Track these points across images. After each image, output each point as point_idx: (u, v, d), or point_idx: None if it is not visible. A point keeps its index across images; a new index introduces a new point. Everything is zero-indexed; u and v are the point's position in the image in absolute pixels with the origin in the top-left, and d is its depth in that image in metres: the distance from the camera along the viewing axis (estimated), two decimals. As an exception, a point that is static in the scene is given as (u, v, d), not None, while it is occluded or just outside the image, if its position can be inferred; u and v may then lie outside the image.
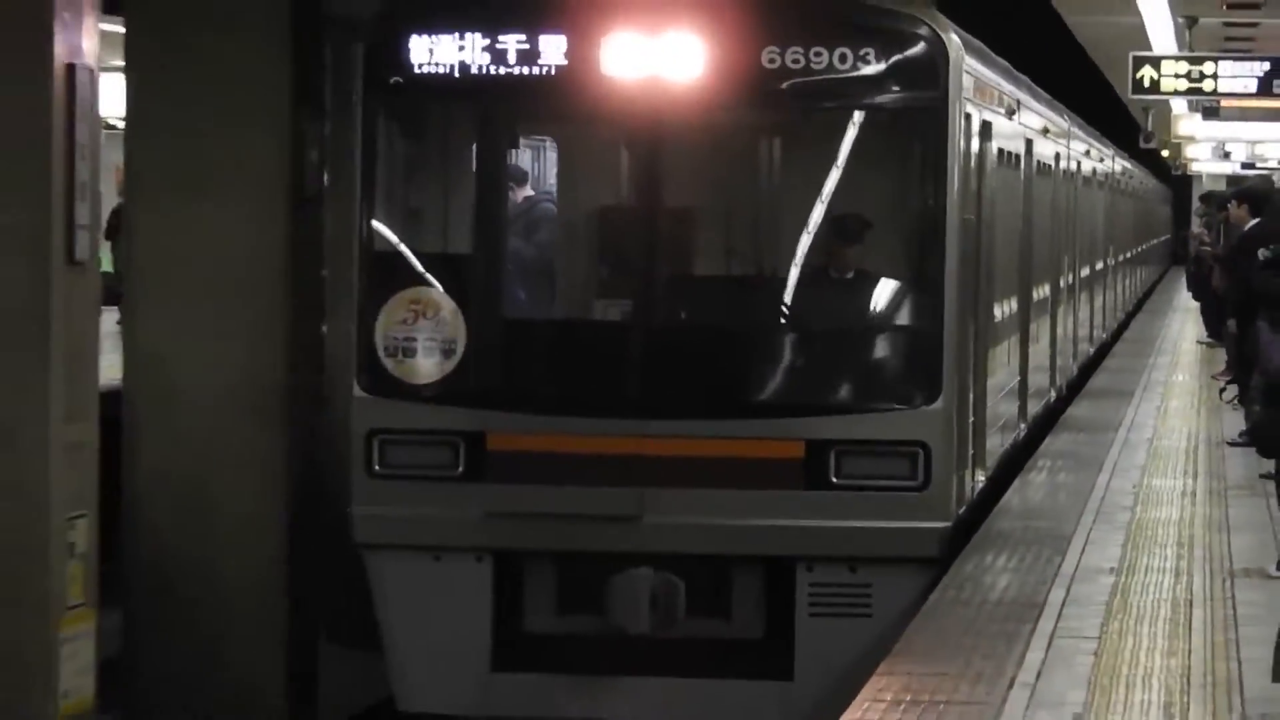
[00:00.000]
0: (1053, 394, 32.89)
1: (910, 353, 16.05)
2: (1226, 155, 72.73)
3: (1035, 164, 27.62)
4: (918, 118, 16.08)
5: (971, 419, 17.68)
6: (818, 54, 15.30)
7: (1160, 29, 44.41)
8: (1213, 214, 43.42)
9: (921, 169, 16.12)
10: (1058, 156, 31.74)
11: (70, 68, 14.24)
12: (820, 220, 16.82)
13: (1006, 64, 24.71)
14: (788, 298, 16.57)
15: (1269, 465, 19.79)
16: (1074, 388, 39.64)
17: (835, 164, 16.74)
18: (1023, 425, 26.51)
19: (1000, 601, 17.21)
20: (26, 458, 14.34)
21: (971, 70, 16.74)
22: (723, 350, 16.15)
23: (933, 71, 15.63)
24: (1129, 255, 54.82)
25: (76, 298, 14.99)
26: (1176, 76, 42.74)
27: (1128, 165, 58.05)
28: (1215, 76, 42.36)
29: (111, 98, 19.98)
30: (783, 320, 16.38)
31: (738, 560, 15.59)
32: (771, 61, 15.44)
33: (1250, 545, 21.19)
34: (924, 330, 15.84)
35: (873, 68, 15.52)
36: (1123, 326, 53.84)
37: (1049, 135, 30.42)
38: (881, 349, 16.26)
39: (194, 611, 17.99)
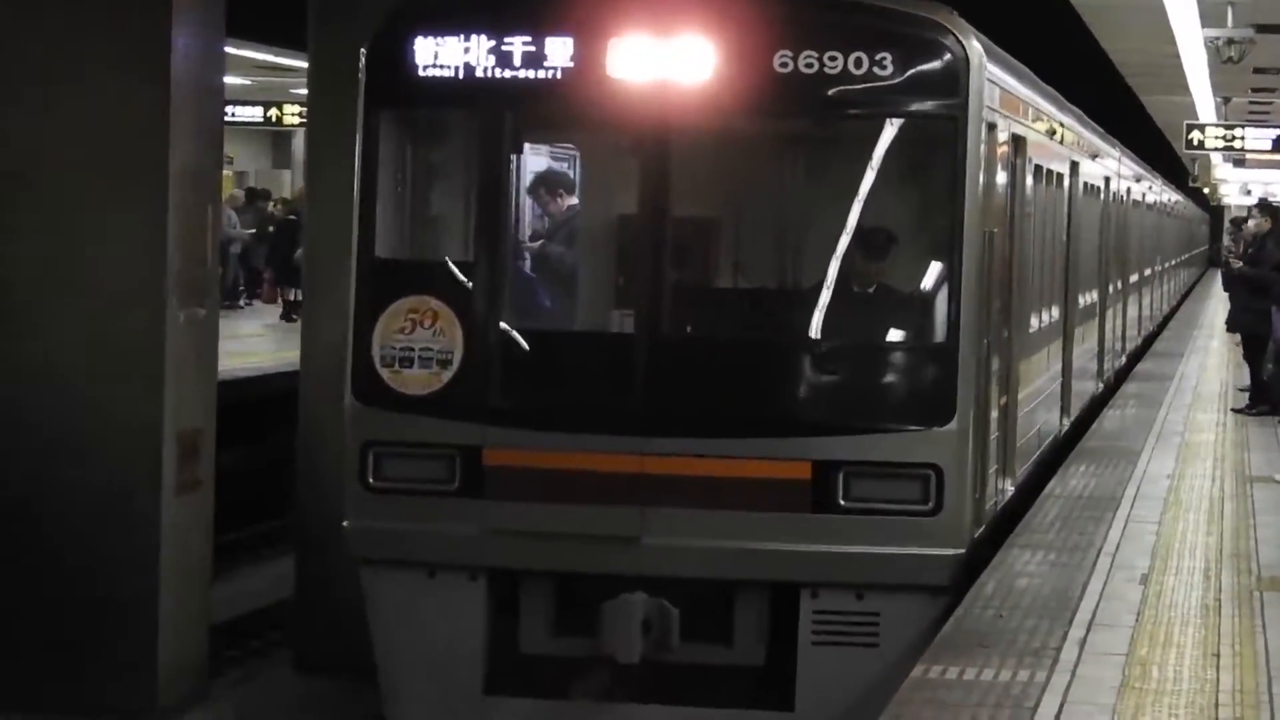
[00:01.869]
0: (1099, 385, 27.97)
1: (923, 371, 12.57)
2: (1248, 192, 75.81)
3: (1083, 185, 23.22)
4: (936, 125, 12.69)
5: (997, 435, 14.42)
6: (832, 59, 12.09)
7: (1204, 105, 48.96)
8: (1238, 233, 44.53)
9: (939, 179, 12.69)
10: (1109, 181, 27.37)
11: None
12: (833, 233, 13.40)
13: (1052, 90, 20.73)
14: (795, 313, 13.35)
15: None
16: (1136, 355, 36.28)
17: (850, 173, 13.26)
18: (1065, 420, 22.17)
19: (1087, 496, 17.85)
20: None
21: (998, 81, 13.65)
22: (728, 366, 12.75)
23: (952, 78, 12.34)
24: (1179, 260, 55.83)
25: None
26: (1215, 138, 49.08)
27: (1178, 196, 58.38)
28: (1243, 138, 49.11)
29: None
30: (789, 336, 13.08)
31: (739, 584, 12.41)
32: (784, 66, 12.20)
33: (1262, 460, 21.59)
34: (938, 348, 12.49)
35: (889, 73, 12.20)
36: (1176, 307, 53.38)
37: (1099, 161, 25.93)
38: (892, 367, 12.76)
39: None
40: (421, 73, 12.59)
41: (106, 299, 16.10)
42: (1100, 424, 24.59)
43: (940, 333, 12.37)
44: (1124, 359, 32.35)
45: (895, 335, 13.01)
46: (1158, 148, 56.59)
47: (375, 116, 12.84)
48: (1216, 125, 48.70)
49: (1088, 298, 24.64)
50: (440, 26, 12.56)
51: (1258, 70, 38.58)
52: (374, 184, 12.81)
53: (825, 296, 13.07)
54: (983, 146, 12.58)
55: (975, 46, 12.39)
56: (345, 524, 12.66)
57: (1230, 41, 29.60)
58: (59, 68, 15.89)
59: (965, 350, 12.19)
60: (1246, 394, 26.55)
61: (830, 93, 12.29)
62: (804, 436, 12.19)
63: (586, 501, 12.11)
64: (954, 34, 12.25)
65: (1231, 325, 29.10)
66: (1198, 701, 10.38)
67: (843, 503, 12.06)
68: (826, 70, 12.09)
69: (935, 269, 12.67)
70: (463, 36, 12.41)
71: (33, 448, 16.41)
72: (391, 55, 12.71)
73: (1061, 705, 10.21)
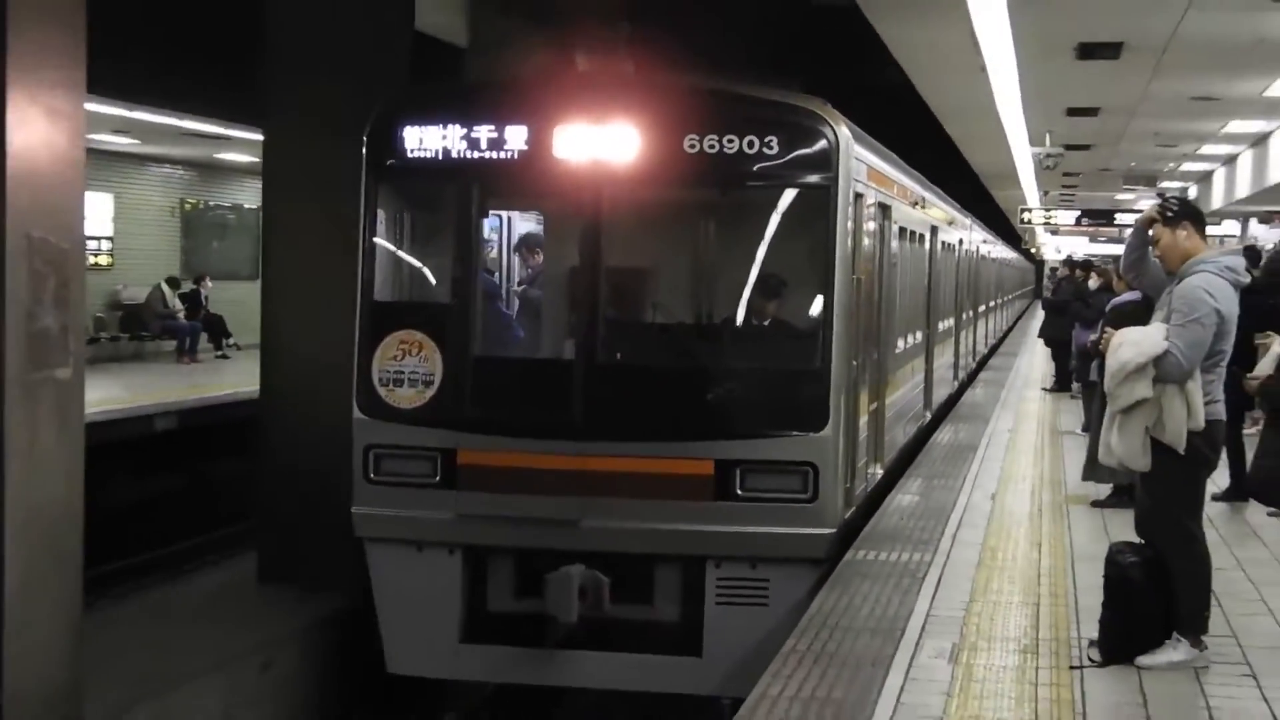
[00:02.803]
0: (956, 382, 25.78)
1: (802, 389, 11.39)
2: (1059, 250, 74.98)
3: (941, 243, 21.21)
4: (812, 194, 11.42)
5: (865, 435, 13.06)
6: (730, 141, 11.09)
7: (1031, 195, 48.03)
8: (1052, 276, 44.14)
9: (815, 236, 11.41)
10: (961, 242, 25.66)
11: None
12: (732, 280, 12.31)
13: (918, 174, 18.92)
14: (702, 343, 12.21)
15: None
16: (985, 358, 34.42)
17: (745, 232, 12.19)
18: (928, 412, 20.09)
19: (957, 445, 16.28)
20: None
21: (865, 160, 12.49)
22: (649, 386, 11.65)
23: (825, 156, 11.25)
24: (1011, 296, 51.28)
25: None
26: (1039, 216, 48.86)
27: (1014, 254, 55.95)
28: (1055, 217, 49.17)
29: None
30: (698, 362, 11.84)
31: (659, 557, 11.37)
32: (692, 147, 11.17)
33: (1067, 419, 20.89)
34: (813, 370, 11.29)
35: (775, 152, 11.15)
36: (1013, 325, 51.05)
37: (954, 227, 24.16)
38: (779, 385, 11.58)
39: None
40: (409, 154, 11.60)
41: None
42: (962, 401, 24.29)
43: (816, 358, 11.23)
44: (975, 362, 30.66)
45: (780, 361, 11.92)
46: (1001, 220, 56.28)
47: (374, 188, 11.83)
48: (1039, 209, 48.97)
49: (947, 322, 23.23)
50: (421, 117, 11.61)
51: (1066, 173, 39.02)
52: (373, 241, 11.82)
53: (726, 330, 12.22)
54: (850, 210, 11.55)
55: (844, 131, 11.38)
56: (352, 510, 11.67)
57: (1048, 155, 29.93)
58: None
59: (836, 371, 11.17)
60: (1054, 379, 26.34)
61: (728, 168, 11.23)
62: (709, 440, 11.14)
63: (538, 492, 11.19)
64: (827, 121, 11.30)
65: (1041, 335, 28.46)
66: (1027, 574, 10.76)
67: (740, 492, 11.04)
68: (725, 150, 11.11)
69: (812, 308, 11.54)
70: (441, 125, 11.51)
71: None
72: (386, 139, 11.71)
73: (940, 576, 10.65)
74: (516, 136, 11.36)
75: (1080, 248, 67.40)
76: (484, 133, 11.40)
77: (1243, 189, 32.38)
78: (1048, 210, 49.67)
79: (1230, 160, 33.67)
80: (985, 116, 24.92)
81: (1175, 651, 8.31)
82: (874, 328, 13.57)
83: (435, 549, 11.47)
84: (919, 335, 18.56)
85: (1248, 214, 40.18)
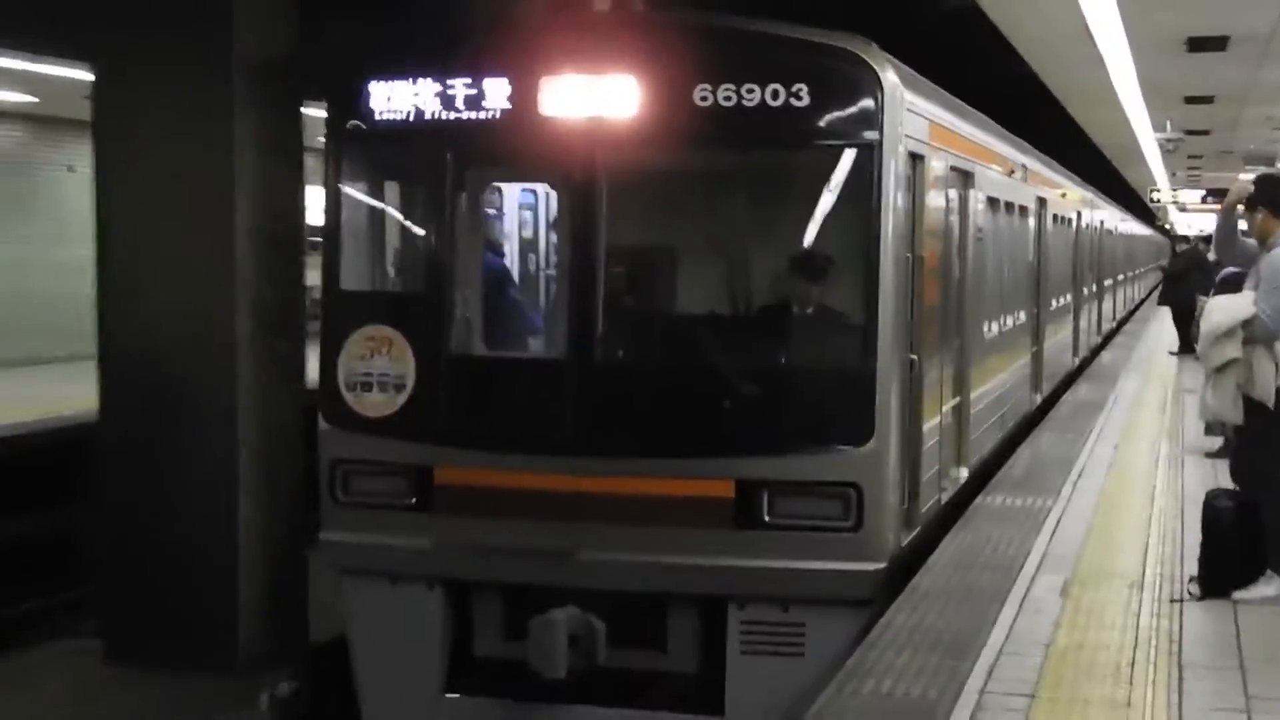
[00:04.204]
0: (1076, 361, 21.92)
1: (841, 393, 8.45)
2: (1189, 226, 72.81)
3: (1054, 216, 17.85)
4: (852, 154, 8.40)
5: (937, 440, 9.97)
6: (749, 91, 8.18)
7: (1160, 177, 46.37)
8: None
9: (855, 208, 8.46)
10: (1081, 215, 22.01)
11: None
12: (756, 262, 9.81)
13: (1021, 142, 15.90)
14: (719, 339, 9.02)
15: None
16: (1124, 319, 32.70)
17: (772, 203, 9.56)
18: (1037, 395, 16.51)
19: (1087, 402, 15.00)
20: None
21: (925, 113, 9.39)
22: (658, 390, 8.73)
23: (867, 107, 8.26)
24: (1144, 269, 47.74)
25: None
26: (1168, 196, 47.26)
27: (1143, 228, 51.90)
28: (1180, 196, 48.34)
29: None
30: (716, 361, 8.73)
31: (671, 597, 8.53)
32: (703, 99, 8.27)
33: (1188, 380, 18.98)
34: (855, 371, 8.36)
35: (806, 104, 8.19)
36: (1143, 300, 45.85)
37: (1071, 201, 20.81)
38: (812, 389, 8.58)
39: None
40: (377, 115, 8.82)
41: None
42: (1099, 360, 23.72)
43: (858, 356, 8.30)
44: (1100, 336, 27.85)
45: (815, 359, 8.88)
46: (1135, 198, 55.73)
47: (337, 157, 9.09)
48: (1168, 189, 48.78)
49: (1063, 299, 19.96)
50: (393, 70, 8.82)
51: (1190, 155, 38.43)
52: (338, 220, 9.08)
53: (749, 324, 9.51)
54: (904, 175, 8.59)
55: (891, 78, 8.36)
56: (320, 535, 9.04)
57: (1169, 140, 29.61)
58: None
59: (884, 371, 8.25)
60: (1178, 343, 25.14)
61: (747, 125, 8.30)
62: (729, 457, 8.29)
63: (524, 517, 8.39)
64: (870, 65, 8.28)
65: (1162, 302, 27.93)
66: (1140, 517, 10.54)
67: (766, 519, 8.20)
68: (744, 103, 8.21)
69: (854, 295, 8.58)
70: (412, 79, 8.72)
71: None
72: (350, 98, 8.95)
73: (1060, 518, 10.40)
74: (495, 93, 8.61)
75: (1209, 224, 66.45)
76: (458, 89, 8.67)
77: None
78: (1175, 189, 49.24)
79: None
80: (1107, 103, 24.32)
81: (1269, 586, 8.21)
82: (950, 313, 10.76)
83: (412, 582, 8.78)
84: (1022, 316, 15.29)
85: None
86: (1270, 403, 8.03)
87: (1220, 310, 8.13)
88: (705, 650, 8.49)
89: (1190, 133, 29.47)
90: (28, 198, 20.82)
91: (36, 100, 18.76)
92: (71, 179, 20.17)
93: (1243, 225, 8.97)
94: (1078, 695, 6.49)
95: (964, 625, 7.62)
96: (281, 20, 10.06)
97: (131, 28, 9.61)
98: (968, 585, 8.47)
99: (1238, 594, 8.19)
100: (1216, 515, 8.35)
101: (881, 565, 8.28)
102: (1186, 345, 24.72)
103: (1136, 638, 7.44)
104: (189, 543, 9.43)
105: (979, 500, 11.12)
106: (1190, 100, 23.82)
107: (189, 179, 9.61)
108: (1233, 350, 8.00)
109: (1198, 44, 16.94)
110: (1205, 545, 8.40)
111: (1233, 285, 9.97)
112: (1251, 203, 8.55)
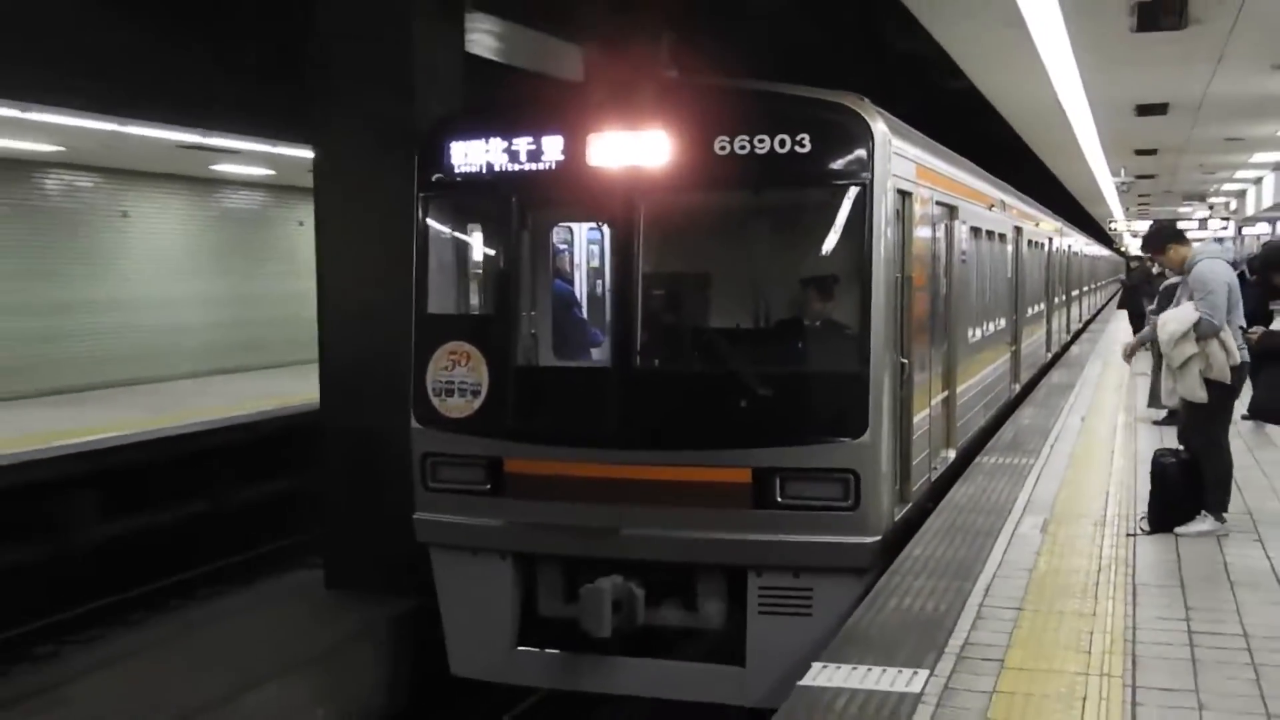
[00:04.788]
0: (1049, 354, 20.67)
1: (841, 394, 7.74)
2: (1140, 249, 70.88)
3: (1029, 241, 16.81)
4: (848, 192, 7.71)
5: (927, 429, 9.25)
6: (760, 141, 7.62)
7: (1117, 210, 45.18)
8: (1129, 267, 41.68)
9: (853, 236, 7.77)
10: (1051, 240, 20.68)
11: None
12: (771, 284, 9.17)
13: (1002, 183, 15.12)
14: (740, 349, 8.33)
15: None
16: (1081, 328, 30.41)
17: (783, 234, 9.06)
18: (1008, 394, 14.92)
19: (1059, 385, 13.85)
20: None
21: (910, 156, 8.67)
22: (687, 392, 8.05)
23: (860, 152, 7.69)
24: (1103, 282, 45.37)
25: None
26: (1123, 225, 45.98)
27: (1104, 250, 49.80)
28: (1132, 226, 45.52)
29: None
30: (735, 367, 7.95)
31: (700, 566, 7.91)
32: (722, 149, 7.71)
33: (1138, 366, 16.45)
34: (852, 375, 7.67)
35: (808, 150, 7.63)
36: (1104, 306, 43.82)
37: (1043, 229, 19.43)
38: (817, 391, 7.90)
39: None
40: (454, 170, 8.30)
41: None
42: (1069, 353, 23.22)
43: (854, 362, 7.64)
44: (1070, 334, 26.57)
45: (818, 365, 8.25)
46: (1097, 228, 54.69)
47: (423, 203, 8.51)
48: (1122, 220, 47.92)
49: (1036, 307, 18.57)
50: (464, 134, 8.30)
51: (1140, 194, 37.84)
52: (426, 256, 8.54)
53: (762, 335, 8.96)
54: (893, 208, 7.95)
55: (881, 127, 7.76)
56: (414, 516, 8.44)
57: (1124, 183, 29.26)
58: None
59: (876, 374, 7.58)
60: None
61: (759, 169, 7.66)
62: (748, 448, 7.62)
63: (579, 500, 7.87)
64: (862, 117, 7.71)
65: (1120, 306, 27.40)
66: (1102, 471, 10.30)
67: (780, 500, 7.57)
68: (756, 150, 7.62)
69: (851, 311, 7.89)
70: (480, 140, 8.22)
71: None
72: (432, 156, 8.41)
73: (1040, 472, 10.24)
74: (551, 148, 8.08)
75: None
76: (523, 144, 8.13)
77: (1268, 200, 31.42)
78: (1129, 220, 48.29)
79: (1258, 181, 32.66)
80: (1074, 156, 24.09)
81: (1204, 523, 8.09)
82: (938, 322, 9.91)
83: (488, 554, 8.30)
84: (1002, 321, 14.39)
85: (1274, 217, 39.22)
86: (1227, 380, 7.89)
87: (1174, 320, 7.95)
88: (729, 611, 7.88)
89: (1139, 177, 29.13)
90: (269, 246, 21.08)
91: (274, 173, 19.00)
92: (300, 231, 20.43)
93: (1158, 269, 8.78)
94: (1054, 608, 6.43)
95: (966, 555, 7.56)
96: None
97: (341, 120, 9.73)
98: (969, 525, 8.37)
99: (1179, 529, 8.05)
100: (1163, 469, 8.21)
101: (877, 539, 7.59)
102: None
103: (1100, 564, 7.33)
104: (386, 500, 9.33)
105: (977, 460, 10.92)
106: (1139, 152, 23.52)
107: (380, 230, 9.61)
108: (1190, 348, 7.83)
109: (1145, 109, 16.77)
110: (1153, 492, 8.26)
111: (1169, 292, 9.85)
112: (1154, 247, 8.50)
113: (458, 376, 8.34)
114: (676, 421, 7.87)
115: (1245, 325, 8.26)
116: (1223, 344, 7.82)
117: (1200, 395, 7.88)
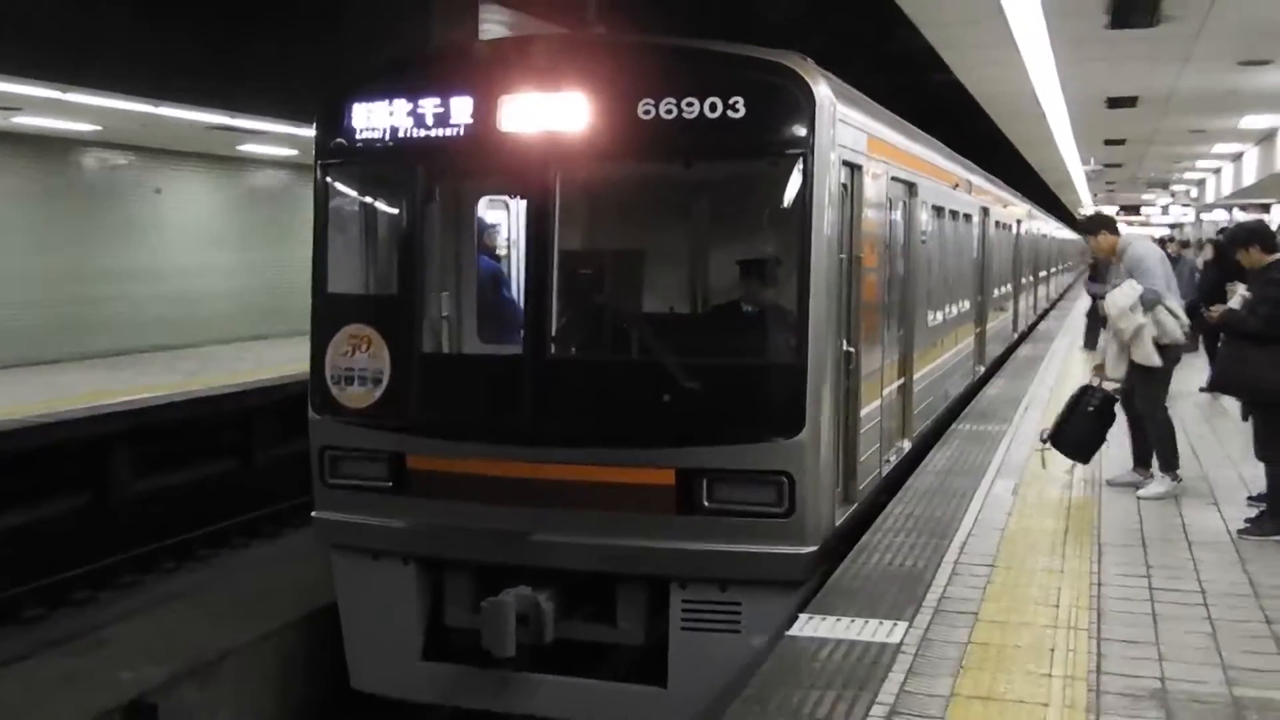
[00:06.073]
0: (1016, 334, 19.07)
1: (774, 387, 6.36)
2: None
3: (996, 223, 15.47)
4: (784, 163, 6.31)
5: (878, 421, 7.88)
6: (689, 104, 6.16)
7: (1086, 197, 44.68)
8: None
9: (787, 212, 6.39)
10: (1020, 223, 19.29)
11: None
12: (697, 263, 8.10)
13: (970, 163, 13.87)
14: (661, 336, 6.78)
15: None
16: (1049, 307, 29.51)
17: (712, 209, 7.82)
18: (972, 376, 13.71)
19: (1028, 358, 13.43)
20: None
21: (859, 126, 7.20)
22: (605, 384, 6.70)
23: (799, 118, 6.23)
24: (1069, 264, 44.85)
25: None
26: (1090, 207, 43.32)
27: (1072, 234, 46.29)
28: (1099, 209, 43.15)
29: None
30: (658, 357, 6.52)
31: (619, 576, 6.60)
32: (646, 113, 6.25)
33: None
34: (786, 366, 6.34)
35: (741, 115, 6.12)
36: (1073, 283, 42.90)
37: (1013, 212, 18.21)
38: (748, 383, 6.43)
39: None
40: (354, 135, 6.94)
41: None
42: (1038, 329, 22.79)
43: (789, 352, 6.40)
44: (1037, 313, 25.32)
45: (749, 355, 6.79)
46: (1068, 214, 54.53)
47: (322, 173, 7.15)
48: (1090, 206, 47.29)
49: (1004, 288, 17.16)
50: (364, 95, 6.92)
51: (1107, 181, 37.63)
52: (325, 228, 7.17)
53: (689, 321, 7.81)
54: (837, 182, 6.63)
55: (824, 90, 6.38)
56: (312, 514, 7.23)
57: (1093, 170, 29.23)
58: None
59: (814, 366, 6.29)
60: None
61: (687, 136, 6.28)
62: (670, 447, 6.33)
63: (488, 502, 6.58)
64: (802, 78, 6.32)
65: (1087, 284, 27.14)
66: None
67: (706, 505, 6.30)
68: (684, 116, 6.22)
69: (785, 295, 6.61)
70: (381, 101, 6.84)
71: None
72: (332, 121, 7.04)
73: (1012, 438, 10.21)
74: (459, 111, 6.74)
75: (1121, 230, 65.17)
76: (426, 108, 6.80)
77: (1226, 189, 31.23)
78: (1097, 206, 48.12)
79: (1217, 171, 32.51)
80: (1048, 145, 23.96)
81: (1161, 485, 8.14)
82: (893, 305, 8.74)
83: (390, 558, 7.03)
84: (966, 304, 13.07)
85: (1230, 205, 39.31)
86: (1180, 343, 8.03)
87: (1121, 294, 8.03)
88: (650, 626, 6.64)
89: (1107, 165, 29.00)
90: (293, 221, 20.50)
91: (296, 152, 18.85)
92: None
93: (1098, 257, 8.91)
94: (1025, 565, 6.44)
95: (944, 514, 7.55)
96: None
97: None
98: (946, 486, 8.37)
99: (1141, 492, 8.09)
100: (1077, 400, 8.21)
101: (813, 549, 6.39)
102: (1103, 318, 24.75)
103: (1067, 524, 7.34)
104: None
105: (954, 426, 10.82)
106: (1109, 142, 23.39)
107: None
108: (1139, 318, 7.92)
109: (1115, 102, 16.63)
110: (1062, 414, 8.26)
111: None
112: (1089, 231, 8.61)
113: (358, 363, 7.04)
114: (593, 416, 6.62)
115: (1203, 303, 8.39)
116: (1171, 310, 7.97)
117: (1155, 360, 7.95)
